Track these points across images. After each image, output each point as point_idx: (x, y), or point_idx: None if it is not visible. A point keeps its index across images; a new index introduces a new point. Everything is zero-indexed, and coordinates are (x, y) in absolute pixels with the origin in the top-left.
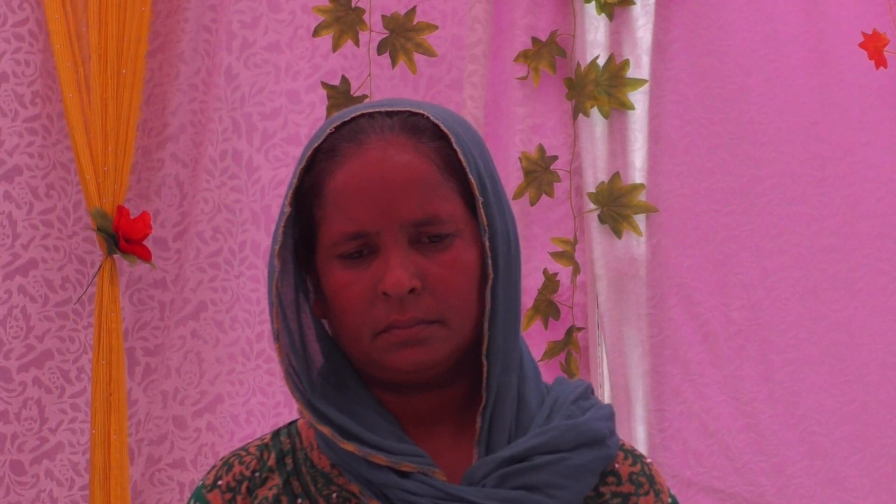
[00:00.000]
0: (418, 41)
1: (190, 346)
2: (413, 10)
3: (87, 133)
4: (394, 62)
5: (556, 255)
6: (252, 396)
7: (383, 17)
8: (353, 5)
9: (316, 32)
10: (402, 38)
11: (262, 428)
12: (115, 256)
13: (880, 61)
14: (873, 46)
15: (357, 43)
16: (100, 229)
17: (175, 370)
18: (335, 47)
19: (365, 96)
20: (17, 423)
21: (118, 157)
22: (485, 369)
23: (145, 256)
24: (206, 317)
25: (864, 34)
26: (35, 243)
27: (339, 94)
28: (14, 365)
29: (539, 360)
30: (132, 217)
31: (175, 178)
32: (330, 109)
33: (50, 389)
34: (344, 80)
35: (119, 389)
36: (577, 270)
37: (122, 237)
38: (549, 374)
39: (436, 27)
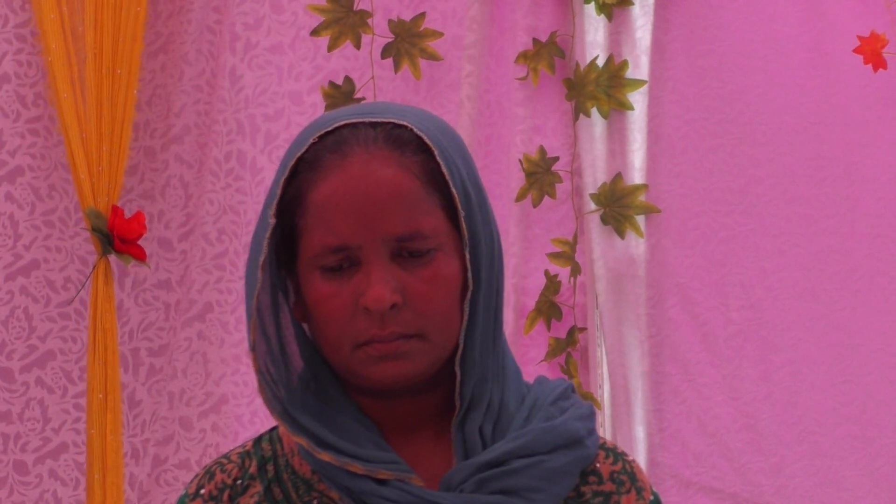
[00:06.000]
0: (423, 46)
1: (196, 347)
2: (421, 15)
3: (81, 133)
4: (397, 67)
5: (555, 256)
6: (256, 397)
7: (389, 21)
8: (355, 7)
9: (315, 32)
10: (406, 43)
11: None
12: (110, 257)
13: (878, 63)
14: (871, 49)
15: (358, 45)
16: (94, 229)
17: (181, 371)
18: (331, 48)
19: (363, 98)
20: (19, 424)
21: (113, 157)
22: (458, 378)
23: (140, 256)
24: (212, 318)
25: (860, 38)
26: (37, 244)
27: (341, 95)
28: (17, 365)
29: (541, 361)
30: (127, 217)
31: (180, 180)
32: (328, 109)
33: (53, 390)
34: (347, 80)
35: (114, 389)
36: (577, 271)
37: (116, 237)
38: (549, 375)
39: (441, 34)
